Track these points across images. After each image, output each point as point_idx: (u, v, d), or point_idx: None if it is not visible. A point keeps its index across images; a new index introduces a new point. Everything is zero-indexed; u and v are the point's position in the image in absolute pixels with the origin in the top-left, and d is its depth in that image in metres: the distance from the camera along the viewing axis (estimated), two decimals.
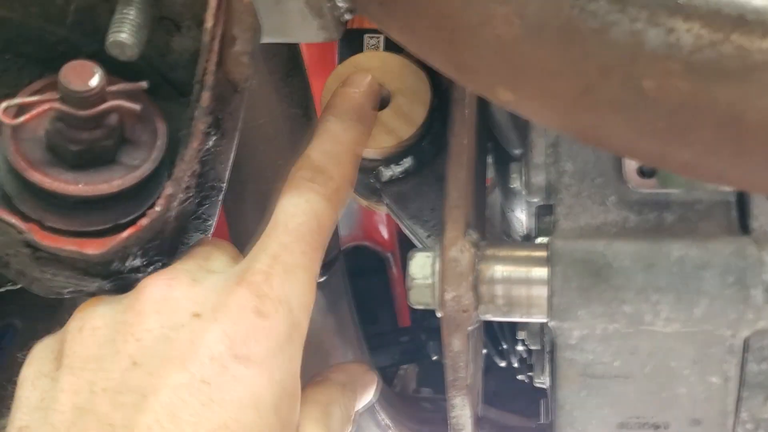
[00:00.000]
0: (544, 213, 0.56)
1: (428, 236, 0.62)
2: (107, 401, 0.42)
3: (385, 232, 1.36)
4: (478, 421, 0.59)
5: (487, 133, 0.64)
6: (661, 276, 0.48)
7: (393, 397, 1.02)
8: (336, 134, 0.52)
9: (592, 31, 0.36)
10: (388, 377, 1.30)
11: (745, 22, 0.33)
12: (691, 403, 0.52)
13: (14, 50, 0.49)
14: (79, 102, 0.43)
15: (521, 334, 0.86)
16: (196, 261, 0.48)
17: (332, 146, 0.51)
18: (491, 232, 0.53)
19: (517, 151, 0.58)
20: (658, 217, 0.50)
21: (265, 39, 0.49)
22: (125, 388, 0.43)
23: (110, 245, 0.44)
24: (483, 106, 0.61)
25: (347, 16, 0.50)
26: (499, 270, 0.50)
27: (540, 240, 0.55)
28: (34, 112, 0.43)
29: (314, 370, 0.85)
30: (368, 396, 0.57)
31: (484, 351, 1.13)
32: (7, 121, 0.43)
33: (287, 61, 0.61)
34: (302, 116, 0.69)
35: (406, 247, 1.40)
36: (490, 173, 0.72)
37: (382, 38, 0.73)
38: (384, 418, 0.96)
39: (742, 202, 0.52)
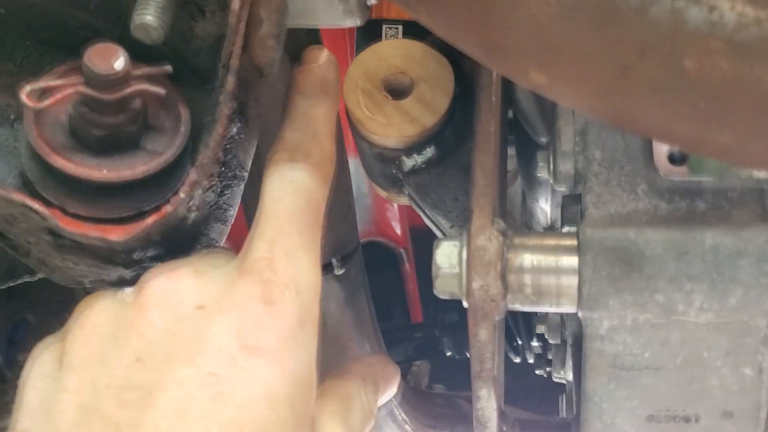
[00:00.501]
0: (570, 203, 0.55)
1: (451, 227, 0.61)
2: (112, 399, 0.41)
3: (398, 228, 1.35)
4: (502, 414, 0.59)
5: (508, 124, 0.63)
6: (694, 264, 0.47)
7: (409, 392, 1.02)
8: (305, 111, 0.50)
9: (631, 9, 0.35)
10: (400, 374, 1.30)
11: None
12: (723, 396, 0.51)
13: (36, 36, 0.49)
14: (103, 85, 0.42)
15: (540, 328, 0.85)
16: (200, 257, 0.47)
17: (303, 123, 0.50)
18: (511, 224, 0.52)
19: (543, 140, 0.58)
20: (689, 205, 0.49)
21: (289, 23, 0.48)
22: (130, 385, 0.41)
23: (134, 231, 0.44)
24: (507, 94, 0.60)
25: (372, 1, 0.49)
26: (528, 259, 0.49)
27: (567, 229, 0.54)
28: (58, 95, 0.42)
29: (332, 362, 0.84)
30: (391, 390, 0.56)
31: None
32: (32, 104, 0.42)
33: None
34: None
35: (418, 243, 1.39)
36: (510, 165, 0.71)
37: (400, 28, 0.72)
38: (401, 413, 0.96)
39: None
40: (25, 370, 0.45)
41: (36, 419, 0.43)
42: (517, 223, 0.81)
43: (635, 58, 0.36)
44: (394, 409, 0.94)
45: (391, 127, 0.61)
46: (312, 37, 0.63)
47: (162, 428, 0.40)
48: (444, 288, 0.51)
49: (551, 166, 0.54)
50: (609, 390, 0.53)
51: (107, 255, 0.46)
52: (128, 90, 0.43)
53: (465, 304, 0.51)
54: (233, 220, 0.52)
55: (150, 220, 0.44)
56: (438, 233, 0.63)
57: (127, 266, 0.47)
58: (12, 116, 0.47)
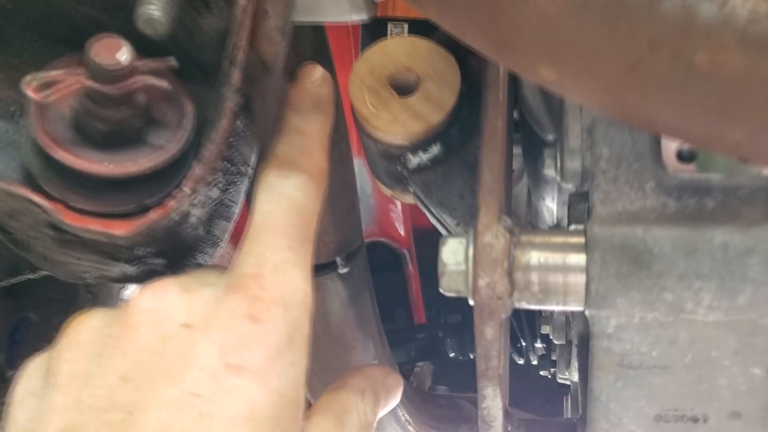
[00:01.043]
0: (577, 201, 0.54)
1: (457, 224, 0.61)
2: (94, 420, 0.40)
3: (401, 229, 1.35)
4: (507, 414, 0.58)
5: (513, 122, 0.63)
6: (703, 262, 0.47)
7: (413, 393, 1.01)
8: (297, 126, 0.50)
9: (641, 4, 0.35)
10: (403, 375, 1.30)
11: None
12: (732, 395, 0.51)
13: (39, 29, 0.48)
14: (107, 78, 0.42)
15: (545, 329, 0.85)
16: (190, 274, 0.46)
17: (295, 138, 0.50)
18: (516, 223, 0.52)
19: (550, 137, 0.57)
20: (698, 202, 0.49)
21: (295, 19, 0.48)
22: (112, 405, 0.40)
23: (137, 226, 0.43)
24: (513, 93, 0.59)
25: None
26: (535, 256, 0.49)
27: (574, 227, 0.53)
28: (63, 88, 0.42)
29: (335, 362, 0.84)
30: (393, 401, 0.55)
31: None
32: (37, 97, 0.41)
33: (314, 46, 0.60)
34: None
35: (422, 244, 1.39)
36: (516, 164, 0.71)
37: (405, 27, 0.72)
38: (404, 414, 0.96)
39: None
40: (16, 387, 0.45)
41: None
42: (522, 222, 0.80)
43: (645, 53, 0.36)
44: (397, 410, 0.94)
45: (397, 124, 0.60)
46: (319, 35, 0.63)
47: None
48: (450, 285, 0.51)
49: (558, 164, 0.54)
50: (616, 389, 0.52)
51: (110, 250, 0.45)
52: (133, 84, 0.42)
53: (471, 302, 0.51)
54: (237, 218, 0.51)
55: (154, 215, 0.43)
56: (443, 231, 0.63)
57: (130, 262, 0.46)
58: (14, 110, 0.47)
